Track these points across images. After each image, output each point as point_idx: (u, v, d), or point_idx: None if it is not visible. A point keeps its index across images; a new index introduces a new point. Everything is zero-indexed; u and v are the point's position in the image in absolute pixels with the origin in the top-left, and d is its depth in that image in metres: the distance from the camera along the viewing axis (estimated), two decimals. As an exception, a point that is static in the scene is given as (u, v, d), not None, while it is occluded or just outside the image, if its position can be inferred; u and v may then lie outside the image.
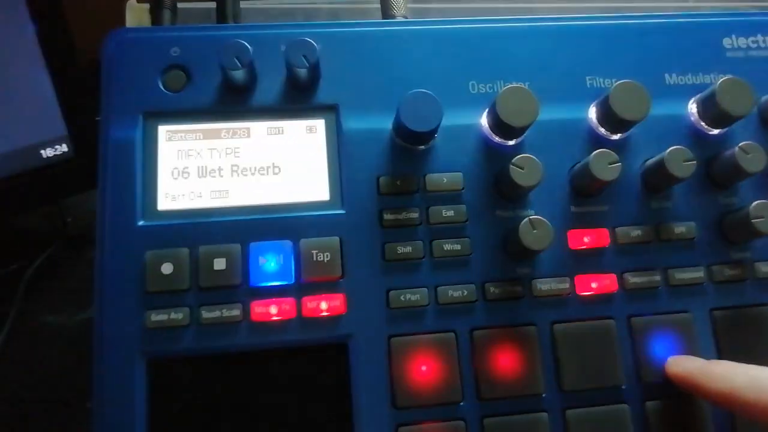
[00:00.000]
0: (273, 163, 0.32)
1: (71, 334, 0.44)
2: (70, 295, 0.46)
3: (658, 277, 0.31)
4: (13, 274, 0.46)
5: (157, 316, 0.29)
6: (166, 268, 0.29)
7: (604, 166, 0.30)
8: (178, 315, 0.29)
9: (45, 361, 0.43)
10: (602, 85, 0.34)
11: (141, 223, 0.30)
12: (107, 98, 0.32)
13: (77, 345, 0.44)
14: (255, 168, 0.32)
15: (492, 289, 0.30)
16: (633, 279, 0.31)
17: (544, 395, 0.30)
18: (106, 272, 0.29)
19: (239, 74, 0.31)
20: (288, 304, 0.30)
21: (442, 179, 0.31)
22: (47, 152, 0.44)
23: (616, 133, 0.33)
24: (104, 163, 0.31)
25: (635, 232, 0.32)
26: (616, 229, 0.32)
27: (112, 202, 0.30)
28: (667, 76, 0.34)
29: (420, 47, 0.34)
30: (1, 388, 0.42)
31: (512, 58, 0.34)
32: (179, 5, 0.38)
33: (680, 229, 0.32)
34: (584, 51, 0.34)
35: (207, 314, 0.29)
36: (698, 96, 0.33)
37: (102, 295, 0.29)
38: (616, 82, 0.32)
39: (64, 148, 0.45)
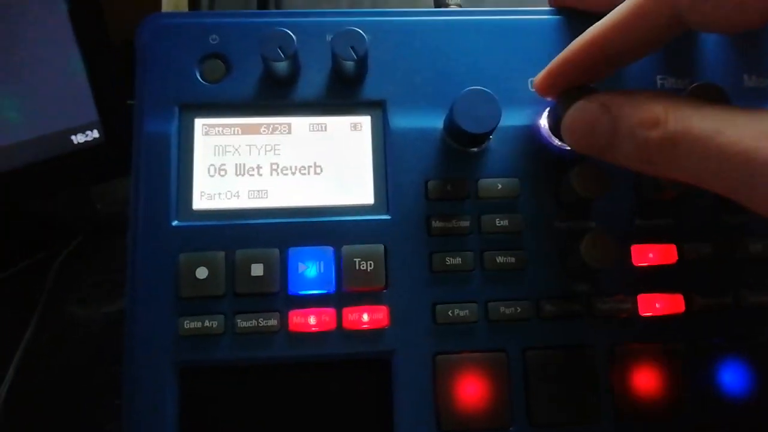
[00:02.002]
0: (315, 162, 0.30)
1: (99, 326, 0.43)
2: (98, 287, 0.45)
3: (729, 299, 0.29)
4: (42, 263, 0.45)
5: (191, 323, 0.27)
6: (201, 273, 0.28)
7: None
8: (212, 323, 0.27)
9: (73, 353, 0.42)
10: (675, 86, 0.31)
11: (175, 223, 0.28)
12: (141, 89, 0.30)
13: (105, 337, 0.43)
14: (296, 167, 0.30)
15: (547, 306, 0.28)
16: (702, 300, 0.29)
17: (601, 423, 0.28)
18: (138, 274, 0.28)
19: (282, 66, 0.29)
20: (328, 314, 0.28)
21: (496, 185, 0.29)
22: (78, 138, 0.43)
23: (688, 139, 0.30)
24: (138, 158, 0.29)
25: (705, 249, 0.29)
26: (684, 245, 0.29)
27: (145, 199, 0.29)
28: (746, 77, 0.31)
29: (475, 39, 0.31)
30: (29, 379, 0.41)
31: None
32: (217, -12, 0.36)
33: (756, 247, 0.29)
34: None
35: (243, 323, 0.27)
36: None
37: (134, 298, 0.28)
38: (690, 83, 0.29)
39: (96, 134, 0.43)
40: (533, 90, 0.28)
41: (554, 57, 0.31)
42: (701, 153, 0.20)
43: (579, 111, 0.24)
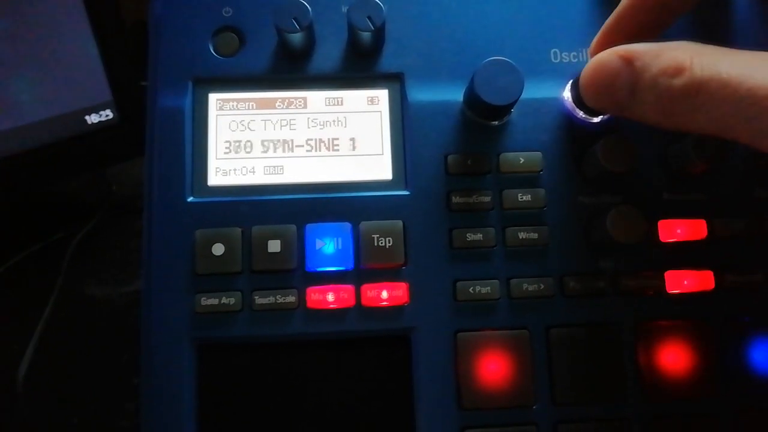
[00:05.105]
0: (331, 137, 0.29)
1: (116, 306, 0.43)
2: (114, 267, 0.45)
3: (760, 277, 0.28)
4: (58, 244, 0.45)
5: (208, 300, 0.27)
6: (217, 249, 0.27)
7: (706, 149, 0.26)
8: (229, 300, 0.27)
9: (90, 333, 0.42)
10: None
11: (190, 199, 0.28)
12: (155, 63, 0.29)
13: (122, 318, 0.43)
14: (312, 142, 0.29)
15: (571, 283, 0.27)
16: (732, 277, 0.28)
17: (626, 402, 0.27)
18: (154, 251, 0.27)
19: (297, 38, 0.28)
20: (346, 291, 0.27)
21: (518, 159, 0.28)
22: (92, 118, 0.43)
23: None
24: (152, 133, 0.29)
25: (737, 225, 0.28)
26: (714, 221, 0.28)
27: (160, 175, 0.28)
28: (780, 45, 0.30)
29: (496, 8, 0.30)
30: (47, 360, 0.41)
31: (601, 23, 0.30)
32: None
33: (789, 222, 0.28)
34: (688, 17, 0.30)
35: (260, 300, 0.27)
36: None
37: (150, 275, 0.27)
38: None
39: (109, 114, 0.43)
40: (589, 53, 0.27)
41: (578, 27, 0.30)
42: (729, 98, 0.19)
43: (597, 65, 0.23)
